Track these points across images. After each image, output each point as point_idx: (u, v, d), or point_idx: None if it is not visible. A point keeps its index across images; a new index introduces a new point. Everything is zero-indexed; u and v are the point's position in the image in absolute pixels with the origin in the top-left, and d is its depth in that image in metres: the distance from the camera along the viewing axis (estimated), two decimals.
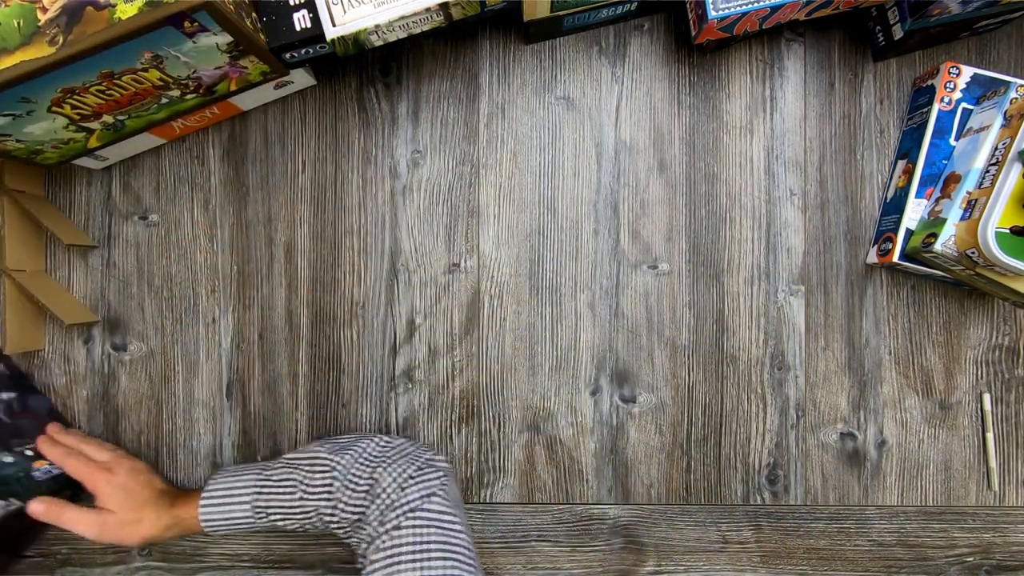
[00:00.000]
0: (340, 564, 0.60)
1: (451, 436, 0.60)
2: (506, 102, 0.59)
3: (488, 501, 0.60)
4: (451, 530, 0.44)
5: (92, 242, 0.59)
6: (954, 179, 0.53)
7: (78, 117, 0.47)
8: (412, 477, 0.46)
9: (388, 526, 0.43)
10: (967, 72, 0.54)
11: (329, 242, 0.59)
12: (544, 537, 0.60)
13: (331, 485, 0.47)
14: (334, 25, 0.46)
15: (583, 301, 0.59)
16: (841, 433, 0.60)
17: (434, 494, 0.45)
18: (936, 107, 0.55)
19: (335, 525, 0.48)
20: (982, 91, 0.54)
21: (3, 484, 0.49)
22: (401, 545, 0.42)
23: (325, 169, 0.59)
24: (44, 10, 0.38)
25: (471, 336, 0.59)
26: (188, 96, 0.50)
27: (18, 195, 0.55)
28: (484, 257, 0.59)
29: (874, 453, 0.60)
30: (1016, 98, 0.51)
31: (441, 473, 0.48)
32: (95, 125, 0.49)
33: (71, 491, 0.53)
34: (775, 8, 0.49)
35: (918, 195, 0.55)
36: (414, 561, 0.41)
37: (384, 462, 0.48)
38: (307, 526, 0.49)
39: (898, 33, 0.54)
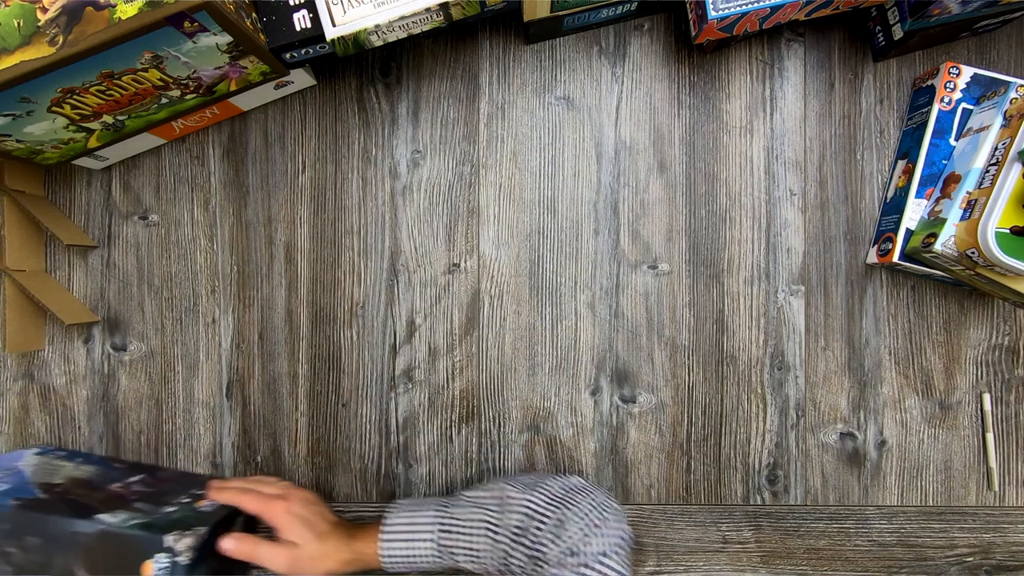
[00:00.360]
0: None
1: (451, 436, 0.60)
2: (506, 102, 0.59)
3: None
4: None
5: (92, 242, 0.59)
6: (954, 179, 0.53)
7: (78, 117, 0.47)
8: (596, 526, 0.46)
9: (567, 573, 0.44)
10: (967, 72, 0.54)
11: (329, 242, 0.59)
12: None
13: (522, 523, 0.47)
14: (334, 25, 0.46)
15: (583, 301, 0.59)
16: (841, 433, 0.60)
17: (615, 552, 0.45)
18: (936, 107, 0.55)
19: (516, 563, 0.47)
20: (982, 91, 0.54)
21: (178, 524, 0.47)
22: None
23: (325, 169, 0.59)
24: (44, 10, 0.38)
25: (471, 336, 0.59)
26: (188, 96, 0.50)
27: (18, 195, 0.55)
28: (484, 257, 0.59)
29: (874, 453, 0.60)
30: (1016, 98, 0.51)
31: (623, 526, 0.48)
32: (95, 125, 0.49)
33: (243, 517, 0.53)
34: (775, 8, 0.49)
35: (918, 195, 0.55)
36: None
37: (570, 504, 0.47)
38: (490, 568, 0.48)
39: (898, 33, 0.54)
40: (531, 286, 0.59)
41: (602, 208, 0.59)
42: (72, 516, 0.46)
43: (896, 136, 0.59)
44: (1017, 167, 0.47)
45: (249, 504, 0.50)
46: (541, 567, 0.45)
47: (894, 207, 0.57)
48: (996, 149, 0.50)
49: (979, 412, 0.59)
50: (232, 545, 0.48)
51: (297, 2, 0.46)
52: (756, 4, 0.48)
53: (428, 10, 0.46)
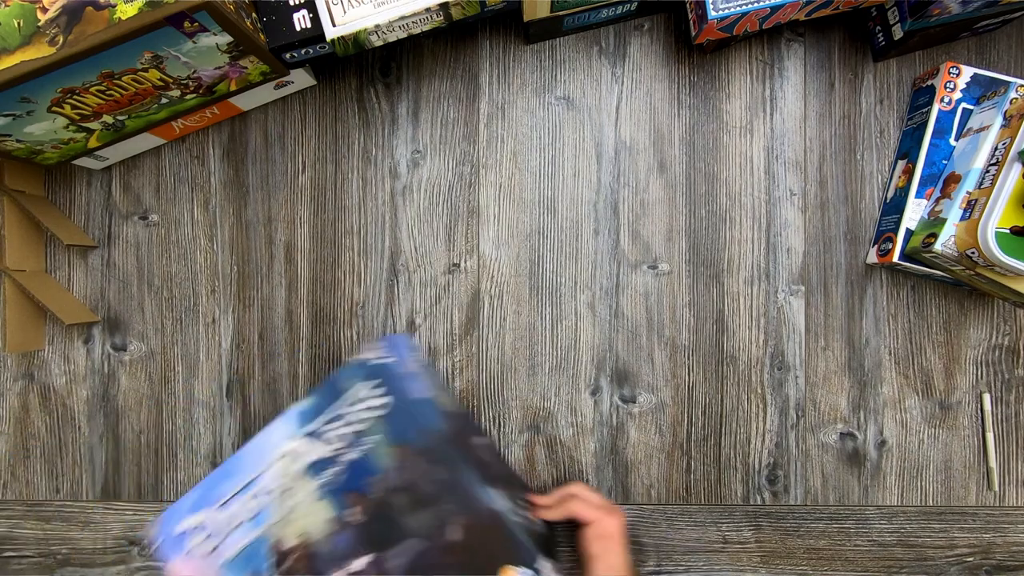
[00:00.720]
0: None
1: None
2: (506, 102, 0.59)
3: None
4: None
5: (92, 242, 0.59)
6: (954, 179, 0.53)
7: (78, 117, 0.47)
8: None
9: None
10: (967, 72, 0.54)
11: (329, 242, 0.59)
12: None
13: None
14: (334, 25, 0.46)
15: (583, 301, 0.59)
16: (841, 433, 0.60)
17: None
18: (936, 107, 0.55)
19: None
20: (982, 91, 0.54)
21: (542, 543, 0.46)
22: None
23: (325, 169, 0.59)
24: (44, 10, 0.38)
25: (471, 336, 0.59)
26: (188, 96, 0.50)
27: (18, 195, 0.55)
28: (484, 257, 0.59)
29: (874, 453, 0.59)
30: (1016, 98, 0.51)
31: None
32: (95, 125, 0.49)
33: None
34: (775, 8, 0.49)
35: (918, 195, 0.55)
36: None
37: None
38: None
39: (898, 33, 0.54)
40: (531, 286, 0.59)
41: (602, 208, 0.59)
42: (482, 481, 0.44)
43: (896, 136, 0.59)
44: (1017, 167, 0.47)
45: (582, 511, 0.49)
46: None
47: (894, 207, 0.57)
48: (996, 149, 0.50)
49: (979, 412, 0.59)
50: None
51: (297, 2, 0.46)
52: (756, 4, 0.48)
53: (428, 10, 0.46)
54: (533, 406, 0.59)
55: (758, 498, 0.60)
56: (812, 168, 0.59)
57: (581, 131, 0.59)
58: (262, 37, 0.47)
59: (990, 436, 0.59)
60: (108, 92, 0.45)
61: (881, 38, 0.57)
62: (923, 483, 0.60)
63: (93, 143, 0.52)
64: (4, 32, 0.38)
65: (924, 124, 0.55)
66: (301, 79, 0.57)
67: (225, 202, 0.59)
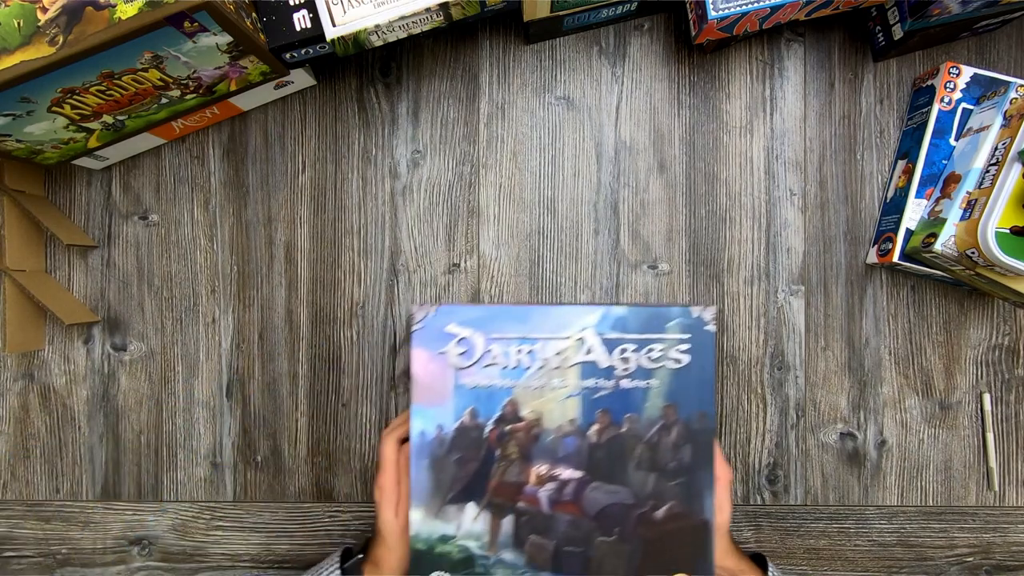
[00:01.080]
0: None
1: None
2: (506, 102, 0.59)
3: None
4: None
5: (92, 242, 0.59)
6: (954, 179, 0.53)
7: (78, 117, 0.47)
8: None
9: None
10: (967, 72, 0.54)
11: (329, 242, 0.59)
12: None
13: None
14: (334, 25, 0.46)
15: (583, 301, 0.59)
16: (841, 433, 0.60)
17: None
18: (936, 107, 0.55)
19: None
20: (982, 91, 0.54)
21: None
22: None
23: (325, 169, 0.59)
24: (44, 10, 0.38)
25: None
26: (188, 96, 0.50)
27: (18, 195, 0.55)
28: (484, 257, 0.59)
29: (874, 453, 0.59)
30: (1016, 98, 0.51)
31: None
32: (95, 125, 0.49)
33: None
34: (775, 8, 0.49)
35: (918, 195, 0.55)
36: None
37: None
38: None
39: (898, 33, 0.54)
40: (531, 286, 0.59)
41: (602, 208, 0.59)
42: (711, 490, 0.44)
43: (896, 136, 0.59)
44: (1017, 167, 0.47)
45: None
46: None
47: (894, 207, 0.57)
48: (996, 149, 0.50)
49: (979, 412, 0.59)
50: None
51: (297, 2, 0.46)
52: (756, 4, 0.48)
53: (428, 10, 0.46)
54: None
55: (758, 498, 0.60)
56: (812, 168, 0.59)
57: (581, 131, 0.59)
58: (262, 37, 0.47)
59: (990, 436, 0.59)
60: (108, 92, 0.45)
61: (881, 38, 0.57)
62: (923, 483, 0.60)
63: (93, 143, 0.52)
64: (4, 32, 0.38)
65: (924, 124, 0.55)
66: (301, 79, 0.57)
67: (225, 202, 0.59)
